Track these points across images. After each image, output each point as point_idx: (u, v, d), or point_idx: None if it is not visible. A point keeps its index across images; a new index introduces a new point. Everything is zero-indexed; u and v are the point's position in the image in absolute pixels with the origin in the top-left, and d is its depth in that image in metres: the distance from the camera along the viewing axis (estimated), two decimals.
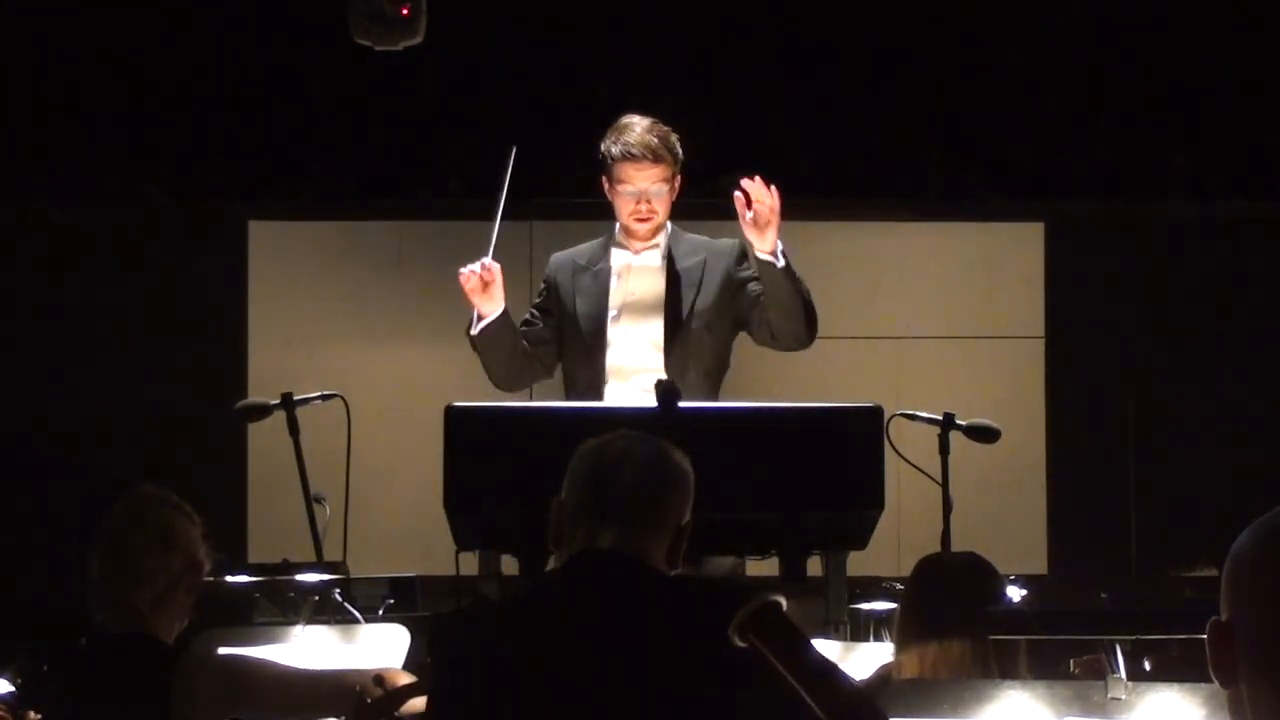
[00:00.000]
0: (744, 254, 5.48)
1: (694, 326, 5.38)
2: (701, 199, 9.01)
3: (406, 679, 3.39)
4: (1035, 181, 9.57)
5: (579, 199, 8.76)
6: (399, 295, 8.33)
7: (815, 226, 8.45)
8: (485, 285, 5.30)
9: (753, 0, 10.40)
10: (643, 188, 5.38)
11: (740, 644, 2.41)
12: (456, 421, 4.69)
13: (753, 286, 5.41)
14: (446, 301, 8.31)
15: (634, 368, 5.33)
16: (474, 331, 5.34)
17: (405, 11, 7.34)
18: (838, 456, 4.66)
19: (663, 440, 3.13)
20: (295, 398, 5.42)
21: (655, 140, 5.39)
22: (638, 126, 5.42)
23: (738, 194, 5.22)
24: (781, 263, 5.24)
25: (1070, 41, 10.31)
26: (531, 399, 7.17)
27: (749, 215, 5.20)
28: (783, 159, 9.80)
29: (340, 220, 8.54)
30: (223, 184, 9.48)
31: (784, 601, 2.41)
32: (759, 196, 5.18)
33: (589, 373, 5.35)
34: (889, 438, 4.85)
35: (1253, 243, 8.53)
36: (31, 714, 3.55)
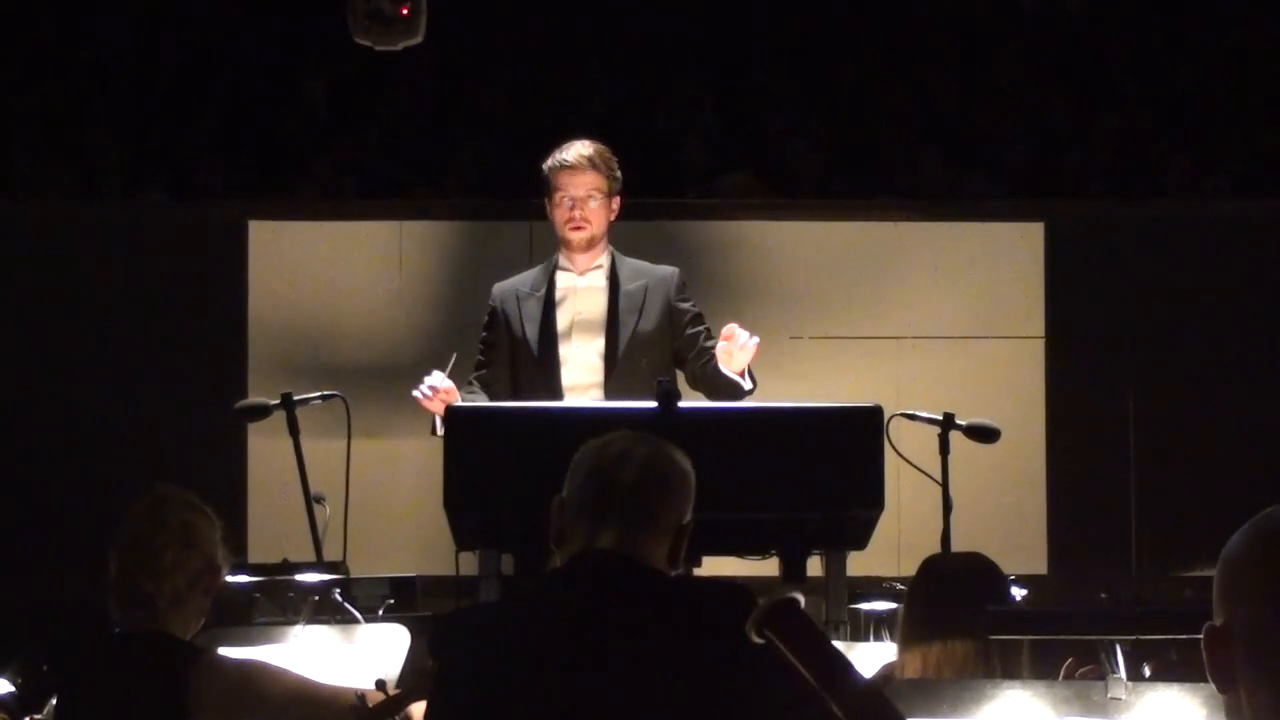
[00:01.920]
0: (684, 284, 5.60)
1: (635, 349, 5.47)
2: (701, 199, 9.05)
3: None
4: (1035, 181, 9.58)
5: None
6: (399, 295, 8.34)
7: (815, 226, 8.45)
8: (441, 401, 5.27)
9: (753, 1, 10.41)
10: (576, 194, 5.50)
11: (757, 640, 2.41)
12: (456, 421, 4.69)
13: (693, 331, 5.52)
14: (446, 301, 8.33)
15: (589, 383, 5.40)
16: (439, 433, 5.31)
17: (405, 11, 7.34)
18: (838, 456, 4.66)
19: (663, 440, 3.14)
20: (295, 398, 5.43)
21: (590, 151, 5.55)
22: (576, 142, 5.59)
23: (725, 334, 5.26)
24: (749, 385, 5.29)
25: (1070, 41, 10.32)
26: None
27: (728, 352, 5.23)
28: (783, 159, 9.82)
29: (340, 220, 8.54)
30: (223, 184, 9.49)
31: (802, 599, 2.42)
32: (742, 345, 5.21)
33: (547, 392, 5.40)
34: (889, 438, 4.86)
35: (1253, 243, 8.53)
36: (33, 717, 3.56)
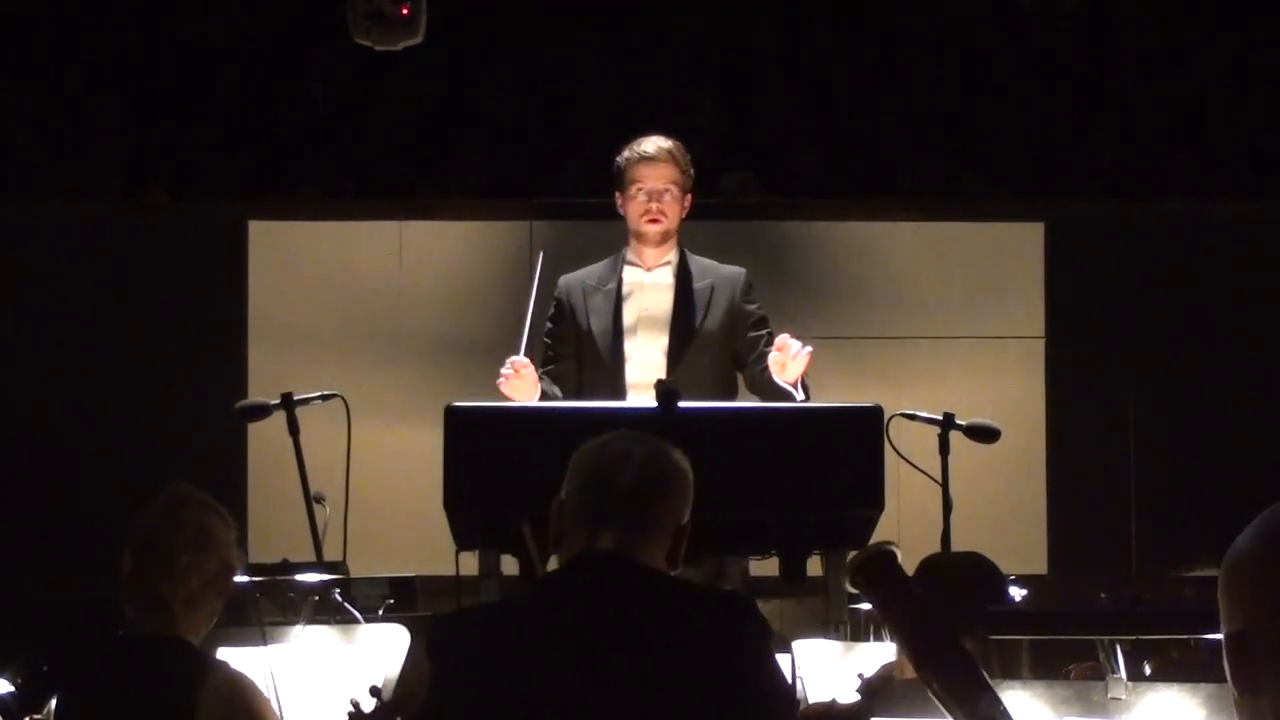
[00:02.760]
0: (750, 285, 5.57)
1: (699, 347, 5.46)
2: (701, 199, 9.04)
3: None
4: (1035, 181, 9.58)
5: (579, 199, 8.78)
6: (399, 295, 8.33)
7: (815, 226, 8.45)
8: (521, 377, 5.29)
9: (754, 1, 10.40)
10: (655, 187, 5.47)
11: (851, 589, 2.48)
12: (456, 421, 4.69)
13: (755, 334, 5.51)
14: (446, 301, 8.33)
15: (652, 381, 5.37)
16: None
17: (405, 11, 7.34)
18: (838, 456, 4.66)
19: (662, 441, 3.13)
20: (295, 398, 5.43)
21: (669, 145, 5.53)
22: (653, 136, 5.56)
23: (777, 344, 5.25)
24: (800, 396, 5.27)
25: (1070, 41, 10.32)
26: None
27: (780, 363, 5.23)
28: (783, 159, 9.82)
29: (340, 220, 8.53)
30: (223, 184, 9.48)
31: (899, 552, 2.46)
32: (795, 355, 5.21)
33: (610, 388, 5.38)
34: (889, 438, 4.85)
35: (1253, 243, 8.53)
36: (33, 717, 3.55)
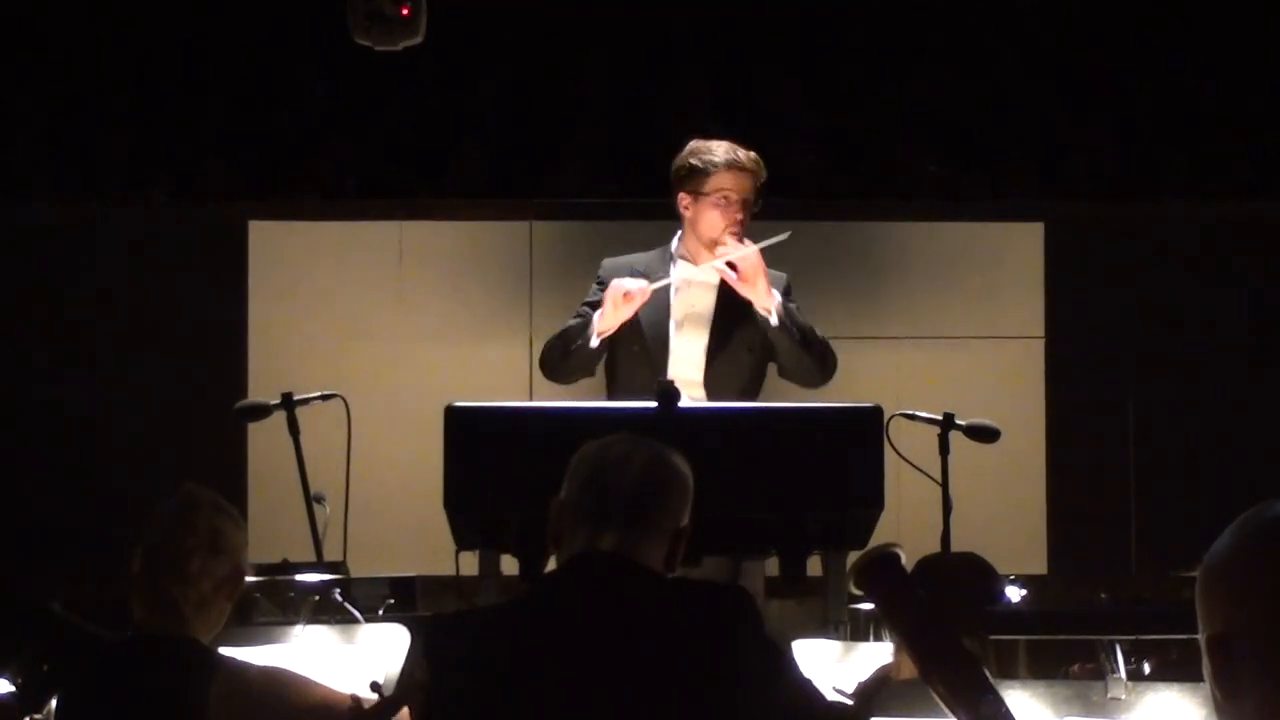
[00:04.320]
0: (790, 288, 5.59)
1: (737, 346, 5.45)
2: None
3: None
4: (1035, 181, 9.58)
5: (579, 199, 8.78)
6: (399, 295, 8.33)
7: (815, 226, 8.44)
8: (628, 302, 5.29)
9: (753, 1, 10.40)
10: (741, 197, 5.45)
11: (855, 591, 2.48)
12: (456, 421, 4.69)
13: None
14: (446, 301, 8.33)
15: (691, 379, 5.37)
16: (594, 344, 5.34)
17: (405, 11, 7.34)
18: (838, 456, 4.65)
19: (662, 444, 3.14)
20: (295, 398, 5.42)
21: (755, 155, 5.51)
22: (730, 144, 5.52)
23: (722, 259, 5.28)
24: (774, 321, 5.31)
25: (1070, 41, 10.32)
26: (531, 399, 7.19)
27: (733, 275, 5.24)
28: (783, 159, 9.82)
29: (340, 220, 8.53)
30: (223, 184, 9.48)
31: (902, 554, 2.47)
32: (739, 257, 5.22)
33: (651, 382, 5.35)
34: (889, 438, 4.85)
35: (1253, 243, 8.53)
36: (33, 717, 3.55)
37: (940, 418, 5.27)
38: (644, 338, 5.43)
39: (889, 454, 4.75)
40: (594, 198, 8.89)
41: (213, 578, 3.58)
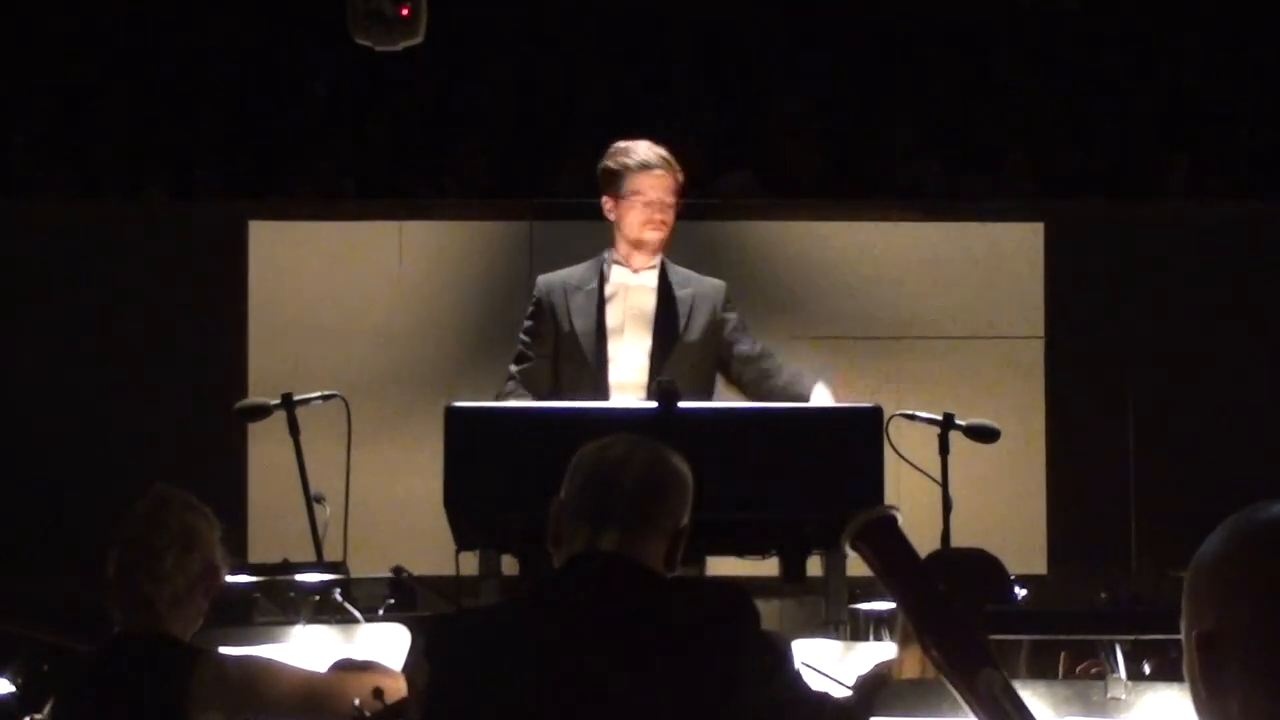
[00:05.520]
0: (730, 298, 5.58)
1: (680, 353, 5.45)
2: (701, 199, 9.04)
3: (401, 689, 3.42)
4: (1035, 181, 9.58)
5: (578, 199, 8.78)
6: (399, 295, 8.33)
7: (815, 226, 8.45)
8: None
9: (753, 1, 10.40)
10: (657, 198, 5.45)
11: (850, 550, 2.48)
12: (456, 421, 4.69)
13: (732, 335, 5.52)
14: (446, 301, 8.33)
15: (635, 382, 5.37)
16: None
17: (405, 11, 7.34)
18: (838, 456, 4.66)
19: (661, 444, 3.14)
20: (295, 398, 5.42)
21: (669, 155, 5.53)
22: (646, 144, 5.55)
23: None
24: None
25: (1070, 41, 10.32)
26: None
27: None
28: (783, 159, 9.82)
29: (340, 220, 8.53)
30: (223, 184, 9.49)
31: (900, 515, 2.47)
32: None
33: (593, 389, 5.37)
34: (889, 438, 4.86)
35: (1253, 243, 8.53)
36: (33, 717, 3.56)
37: (940, 418, 5.27)
38: (581, 348, 5.43)
39: (889, 454, 4.75)
40: (594, 198, 8.88)
41: (186, 575, 3.60)
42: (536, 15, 10.20)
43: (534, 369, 5.46)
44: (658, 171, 5.46)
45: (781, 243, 8.34)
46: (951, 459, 5.28)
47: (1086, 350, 8.40)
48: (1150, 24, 10.36)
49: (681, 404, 4.57)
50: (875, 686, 3.27)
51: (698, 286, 5.56)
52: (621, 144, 5.58)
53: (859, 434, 4.67)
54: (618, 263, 5.54)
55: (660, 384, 4.64)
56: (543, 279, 5.61)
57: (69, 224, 8.52)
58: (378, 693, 3.42)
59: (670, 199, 5.48)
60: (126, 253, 8.41)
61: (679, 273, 5.59)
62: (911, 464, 5.19)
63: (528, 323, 5.55)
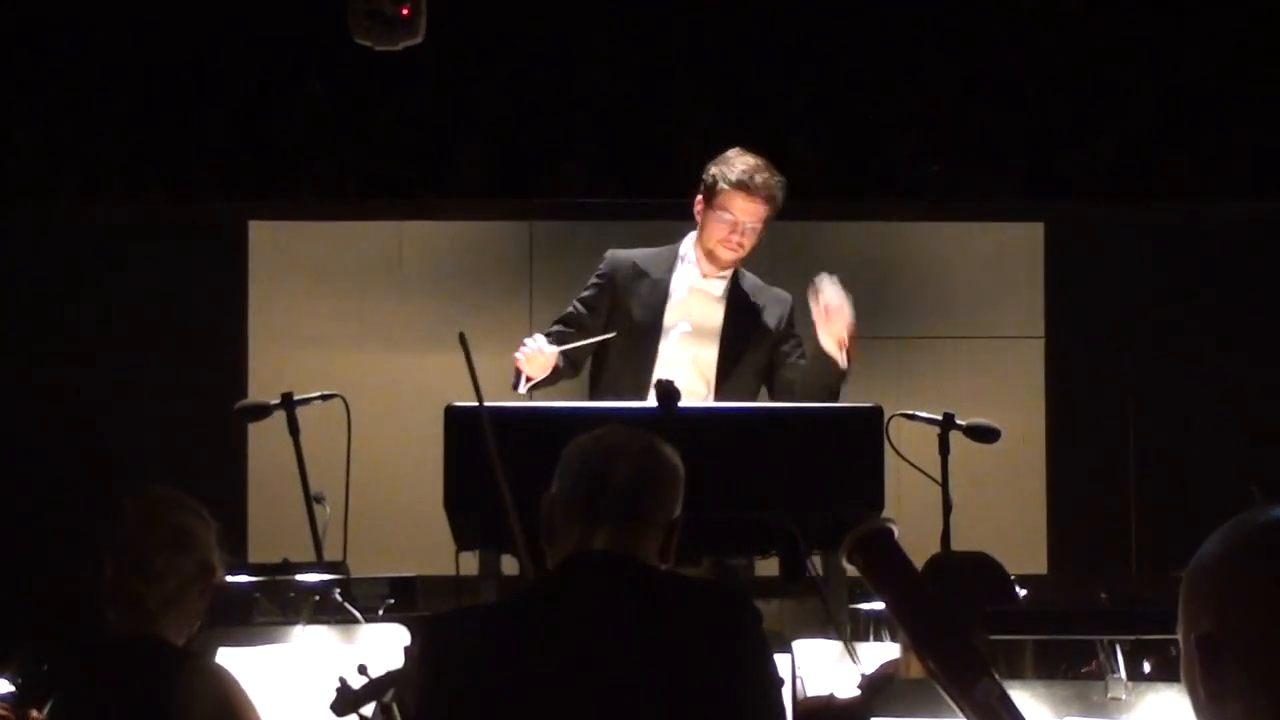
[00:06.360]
0: (794, 310, 5.55)
1: (746, 365, 5.44)
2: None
3: None
4: (1035, 181, 9.58)
5: (579, 199, 8.78)
6: (399, 295, 8.33)
7: (816, 226, 8.45)
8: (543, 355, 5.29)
9: (754, 1, 10.39)
10: (743, 221, 5.39)
11: (847, 564, 2.48)
12: (456, 421, 4.69)
13: (788, 348, 5.50)
14: (446, 302, 8.33)
15: (679, 387, 5.35)
16: (523, 390, 5.32)
17: (405, 11, 7.34)
18: (838, 456, 4.66)
19: (653, 436, 3.13)
20: (295, 398, 5.42)
21: (775, 184, 5.42)
22: (756, 164, 5.43)
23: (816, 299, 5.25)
24: (842, 364, 5.32)
25: (1070, 41, 10.31)
26: (531, 399, 7.16)
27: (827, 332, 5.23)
28: (783, 158, 9.81)
29: (340, 220, 8.53)
30: (223, 184, 9.48)
31: (896, 529, 2.47)
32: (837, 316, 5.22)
33: (634, 381, 5.34)
34: (889, 438, 4.85)
35: (1253, 243, 8.53)
36: (34, 713, 3.55)
37: (940, 418, 5.27)
38: (634, 336, 5.41)
39: (889, 454, 4.75)
40: (594, 198, 8.89)
41: (179, 575, 3.57)
42: (536, 15, 10.19)
43: (573, 335, 5.42)
44: (751, 195, 5.39)
45: (781, 243, 8.34)
46: (951, 459, 5.27)
47: (1086, 350, 8.40)
48: (1150, 24, 10.35)
49: (681, 404, 4.57)
50: (882, 685, 3.27)
51: (767, 298, 5.54)
52: (730, 153, 5.48)
53: (859, 434, 4.67)
54: (689, 262, 5.51)
55: (660, 384, 4.63)
56: (612, 254, 5.56)
57: (69, 224, 8.52)
58: (361, 668, 3.40)
59: (756, 224, 5.41)
60: (126, 253, 8.41)
61: (750, 282, 5.55)
62: (912, 464, 5.19)
63: (586, 293, 5.51)
